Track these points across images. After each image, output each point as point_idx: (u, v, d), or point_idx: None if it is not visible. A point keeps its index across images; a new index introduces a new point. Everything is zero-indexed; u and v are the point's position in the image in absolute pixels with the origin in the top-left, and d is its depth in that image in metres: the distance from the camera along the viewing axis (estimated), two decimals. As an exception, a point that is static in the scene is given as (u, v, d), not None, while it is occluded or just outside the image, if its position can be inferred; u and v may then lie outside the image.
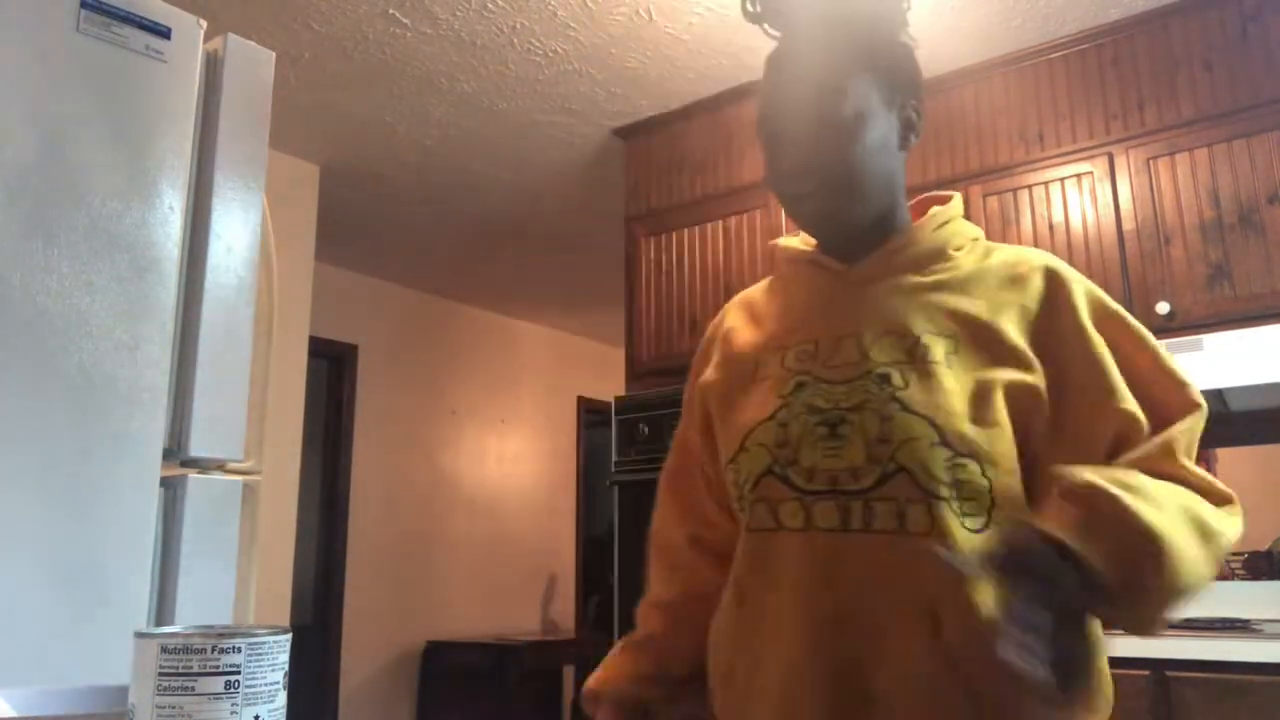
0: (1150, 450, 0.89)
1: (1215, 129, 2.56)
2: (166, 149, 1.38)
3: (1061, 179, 2.77)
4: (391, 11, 2.77)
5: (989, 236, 1.08)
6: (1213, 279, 2.48)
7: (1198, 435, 0.93)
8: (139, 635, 0.58)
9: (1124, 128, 2.72)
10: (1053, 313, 0.95)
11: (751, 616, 0.96)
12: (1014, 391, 0.90)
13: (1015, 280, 0.97)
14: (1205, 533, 0.84)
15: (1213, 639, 2.05)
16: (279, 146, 3.57)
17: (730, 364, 1.08)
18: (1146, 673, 2.08)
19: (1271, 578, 2.55)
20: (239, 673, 0.57)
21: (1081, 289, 0.96)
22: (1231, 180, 2.51)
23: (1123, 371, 0.93)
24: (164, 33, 1.39)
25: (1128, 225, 2.63)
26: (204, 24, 1.45)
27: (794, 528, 0.92)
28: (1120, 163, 2.68)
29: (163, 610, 1.31)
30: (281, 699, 0.60)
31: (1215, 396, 2.47)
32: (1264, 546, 2.60)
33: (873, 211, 1.01)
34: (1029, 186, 2.82)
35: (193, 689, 0.56)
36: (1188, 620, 2.42)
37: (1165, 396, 0.93)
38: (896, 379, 0.92)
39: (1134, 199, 2.63)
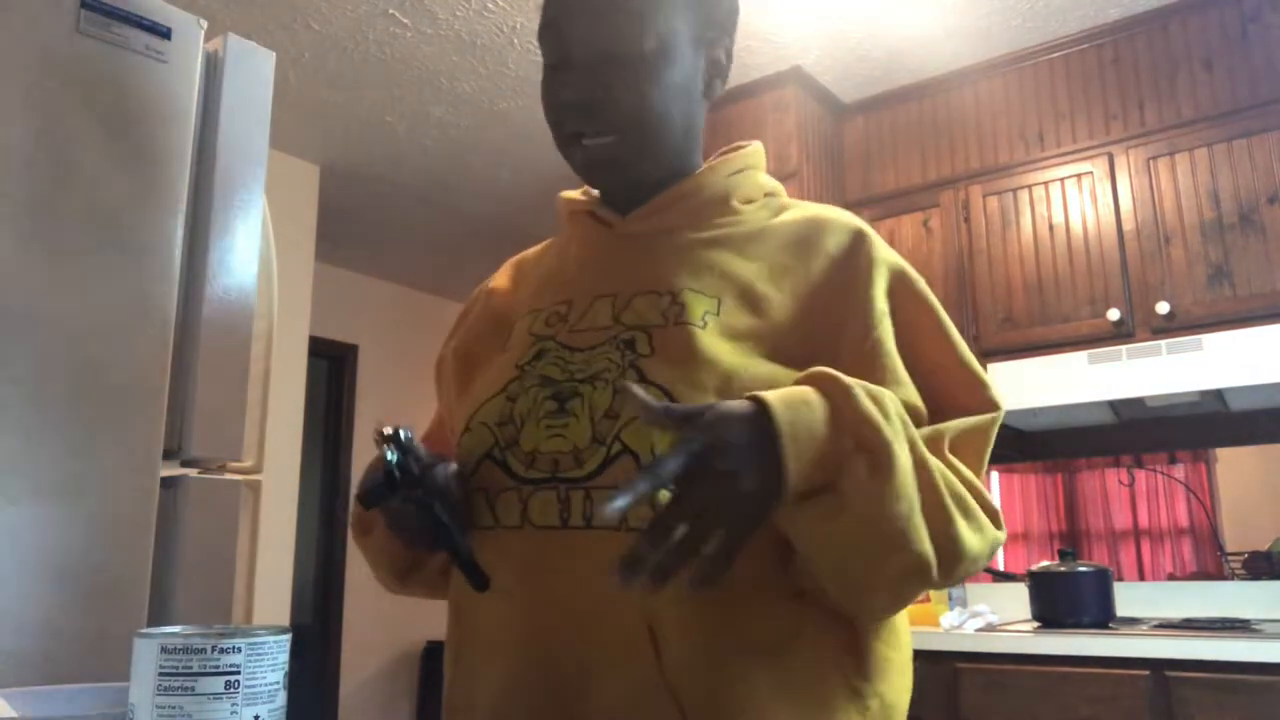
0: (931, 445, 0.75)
1: (1215, 129, 2.56)
2: (166, 149, 1.38)
3: (1061, 179, 2.77)
4: (391, 11, 2.77)
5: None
6: (1213, 279, 2.48)
7: (984, 438, 0.78)
8: (139, 635, 0.58)
9: (1124, 128, 2.72)
10: (840, 283, 0.81)
11: (467, 631, 0.83)
12: (771, 375, 0.75)
13: (801, 243, 0.84)
14: (962, 506, 0.71)
15: (1213, 639, 2.05)
16: (279, 146, 3.57)
17: (481, 329, 0.95)
18: (1146, 673, 2.08)
19: (1271, 578, 2.55)
20: (239, 673, 0.57)
21: (885, 260, 0.83)
22: (1231, 180, 2.51)
23: (913, 357, 0.80)
24: (164, 33, 1.39)
25: (1128, 225, 2.63)
26: (204, 24, 1.45)
27: (511, 525, 0.78)
28: (1120, 163, 2.68)
29: (163, 610, 1.31)
30: (281, 699, 0.60)
31: (1215, 396, 2.47)
32: (1264, 546, 2.60)
33: (664, 165, 0.87)
34: (1029, 186, 2.82)
35: (193, 689, 0.56)
36: (1188, 620, 2.42)
37: (957, 391, 0.80)
38: (642, 345, 0.78)
39: (1134, 199, 2.63)
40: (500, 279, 1.00)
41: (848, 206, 3.17)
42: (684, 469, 0.62)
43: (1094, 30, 2.81)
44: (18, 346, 1.19)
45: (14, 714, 0.69)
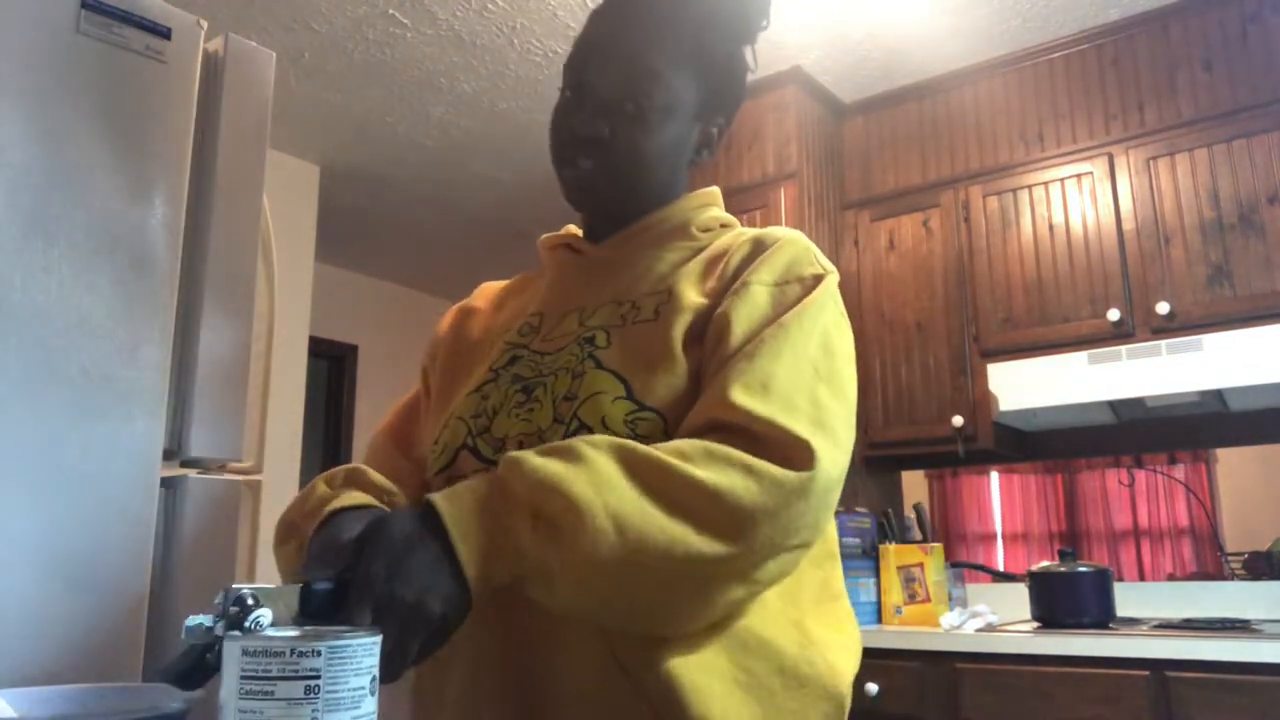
0: (704, 399, 0.79)
1: (1215, 129, 2.56)
2: (166, 149, 1.38)
3: (1061, 179, 2.77)
4: (391, 11, 2.77)
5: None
6: (1213, 279, 2.48)
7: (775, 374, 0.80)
8: (227, 637, 0.56)
9: (1124, 128, 2.72)
10: (738, 273, 0.88)
11: None
12: (691, 367, 0.83)
13: (730, 252, 0.91)
14: (717, 463, 0.72)
15: (1213, 639, 2.05)
16: (279, 146, 3.57)
17: (460, 345, 1.03)
18: (1146, 673, 2.08)
19: (1271, 578, 2.55)
20: (319, 677, 0.54)
21: (786, 254, 0.88)
22: (1231, 180, 2.51)
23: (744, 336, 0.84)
24: (164, 33, 1.39)
25: (1128, 225, 2.63)
26: (204, 24, 1.45)
27: None
28: (1120, 163, 2.68)
29: (163, 610, 1.31)
30: (368, 705, 0.57)
31: (1215, 396, 2.47)
32: (1264, 546, 2.60)
33: (639, 205, 0.96)
34: (1029, 186, 2.82)
35: (273, 693, 0.54)
36: (1187, 620, 2.42)
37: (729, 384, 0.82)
38: (600, 339, 0.87)
39: (1134, 199, 2.63)
40: (476, 300, 1.09)
41: (848, 207, 3.17)
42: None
43: (1094, 30, 2.81)
44: (18, 347, 1.19)
45: (14, 714, 0.69)
